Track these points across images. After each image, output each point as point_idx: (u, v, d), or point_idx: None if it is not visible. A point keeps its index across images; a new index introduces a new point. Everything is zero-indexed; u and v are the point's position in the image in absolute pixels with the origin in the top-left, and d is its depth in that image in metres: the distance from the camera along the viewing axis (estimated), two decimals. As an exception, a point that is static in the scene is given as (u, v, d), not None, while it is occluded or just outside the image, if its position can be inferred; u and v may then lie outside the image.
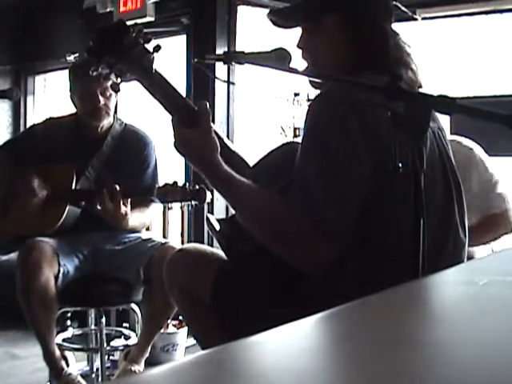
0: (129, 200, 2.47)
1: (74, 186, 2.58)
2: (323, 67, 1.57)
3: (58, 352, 2.53)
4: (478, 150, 2.63)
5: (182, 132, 1.52)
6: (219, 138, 1.57)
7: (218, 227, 1.66)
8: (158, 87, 1.59)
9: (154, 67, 1.56)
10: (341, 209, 1.35)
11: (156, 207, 2.74)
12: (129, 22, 3.85)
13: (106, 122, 2.73)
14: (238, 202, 1.50)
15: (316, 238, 1.37)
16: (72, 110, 2.84)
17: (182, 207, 2.42)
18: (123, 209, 2.44)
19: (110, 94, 2.64)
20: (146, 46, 1.57)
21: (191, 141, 1.51)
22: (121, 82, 1.60)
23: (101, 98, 2.63)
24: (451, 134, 2.60)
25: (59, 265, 2.50)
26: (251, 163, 1.69)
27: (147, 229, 3.23)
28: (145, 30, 1.57)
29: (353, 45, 1.52)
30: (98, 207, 2.43)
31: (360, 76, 1.44)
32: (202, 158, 1.50)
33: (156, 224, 3.69)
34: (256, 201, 1.47)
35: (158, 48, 1.58)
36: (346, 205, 1.36)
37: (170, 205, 2.42)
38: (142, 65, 1.54)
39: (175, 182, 2.40)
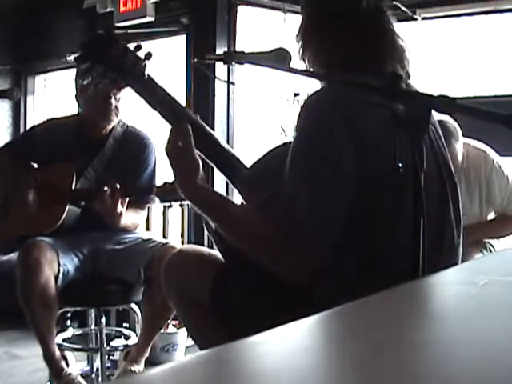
0: (126, 200, 2.48)
1: (73, 186, 2.59)
2: (311, 62, 1.55)
3: (58, 352, 2.53)
4: (491, 152, 2.63)
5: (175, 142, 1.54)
6: (214, 140, 1.59)
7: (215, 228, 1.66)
8: (151, 93, 1.60)
9: (146, 73, 1.57)
10: (322, 221, 1.35)
11: (154, 207, 2.74)
12: (128, 23, 3.86)
13: (111, 124, 2.73)
14: (213, 219, 1.51)
15: (298, 252, 1.37)
16: (72, 110, 2.84)
17: (181, 205, 2.43)
18: (119, 208, 2.45)
19: (120, 97, 2.66)
20: (138, 53, 1.59)
21: (179, 154, 1.54)
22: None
23: (113, 101, 2.64)
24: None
25: (59, 264, 2.50)
26: (249, 164, 1.69)
27: (147, 229, 3.23)
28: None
29: (336, 43, 1.50)
30: (97, 203, 2.43)
31: (347, 74, 1.43)
32: (183, 173, 1.57)
33: (156, 224, 3.68)
34: (233, 218, 1.48)
35: (149, 55, 1.59)
36: (328, 217, 1.35)
37: (169, 203, 2.43)
38: (133, 72, 1.55)
39: (174, 181, 2.41)
